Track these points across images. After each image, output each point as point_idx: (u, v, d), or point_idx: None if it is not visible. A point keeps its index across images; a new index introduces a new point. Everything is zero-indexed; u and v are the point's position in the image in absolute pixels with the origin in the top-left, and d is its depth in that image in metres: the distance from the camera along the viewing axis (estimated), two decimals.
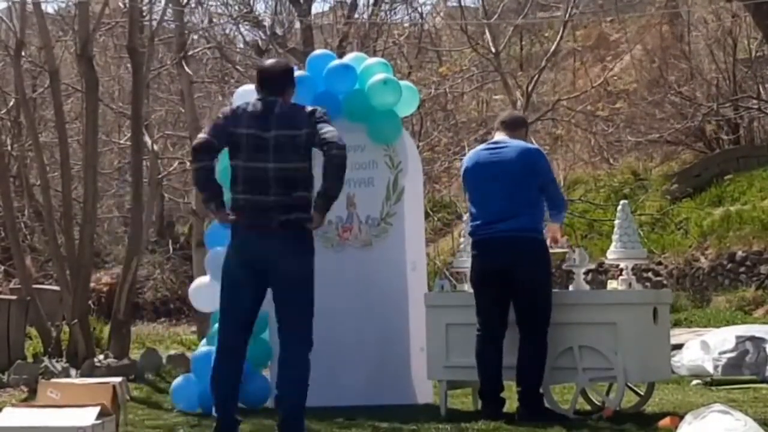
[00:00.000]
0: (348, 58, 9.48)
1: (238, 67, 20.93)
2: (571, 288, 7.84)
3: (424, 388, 8.68)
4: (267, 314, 8.84)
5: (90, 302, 13.23)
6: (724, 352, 10.27)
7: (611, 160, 22.76)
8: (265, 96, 6.70)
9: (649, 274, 18.13)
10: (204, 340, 9.35)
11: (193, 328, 15.96)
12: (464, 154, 19.87)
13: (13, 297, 12.35)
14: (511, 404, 7.52)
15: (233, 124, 6.62)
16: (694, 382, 9.95)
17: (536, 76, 21.54)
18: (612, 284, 7.87)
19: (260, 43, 22.24)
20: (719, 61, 22.03)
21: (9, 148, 16.90)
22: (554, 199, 7.69)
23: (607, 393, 7.75)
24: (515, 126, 7.84)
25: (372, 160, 8.94)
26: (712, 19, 22.54)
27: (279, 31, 22.16)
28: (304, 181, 6.51)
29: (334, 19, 22.90)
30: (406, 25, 23.08)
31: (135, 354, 11.75)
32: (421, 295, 8.33)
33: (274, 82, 6.73)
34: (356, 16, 22.21)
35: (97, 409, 6.48)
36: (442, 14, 25.09)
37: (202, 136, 6.67)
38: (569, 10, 20.55)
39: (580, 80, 22.87)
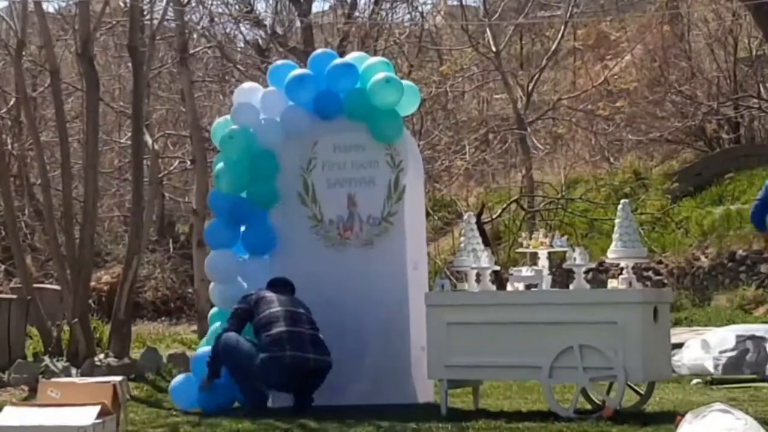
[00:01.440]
0: (350, 57, 9.44)
1: (238, 66, 20.94)
2: (571, 287, 7.82)
3: (425, 387, 8.67)
4: None
5: (90, 301, 13.19)
6: (725, 351, 10.28)
7: (612, 159, 22.74)
8: None
9: (650, 273, 18.11)
10: (204, 340, 9.35)
11: (194, 328, 15.94)
12: (464, 153, 20.06)
13: (14, 296, 12.33)
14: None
15: None
16: (695, 381, 9.94)
17: (537, 75, 21.57)
18: (612, 283, 7.86)
19: (261, 42, 22.24)
20: (720, 60, 22.02)
21: (9, 147, 16.91)
22: None
23: (608, 392, 7.74)
24: None
25: (373, 159, 8.91)
26: (713, 18, 22.53)
27: (279, 30, 22.16)
28: None
29: (334, 18, 22.91)
30: (407, 24, 23.08)
31: (135, 353, 11.74)
32: (422, 294, 8.30)
33: None
34: (357, 15, 22.21)
35: (98, 408, 6.49)
36: (442, 13, 25.11)
37: None
38: (570, 9, 20.57)
39: (580, 79, 22.88)
